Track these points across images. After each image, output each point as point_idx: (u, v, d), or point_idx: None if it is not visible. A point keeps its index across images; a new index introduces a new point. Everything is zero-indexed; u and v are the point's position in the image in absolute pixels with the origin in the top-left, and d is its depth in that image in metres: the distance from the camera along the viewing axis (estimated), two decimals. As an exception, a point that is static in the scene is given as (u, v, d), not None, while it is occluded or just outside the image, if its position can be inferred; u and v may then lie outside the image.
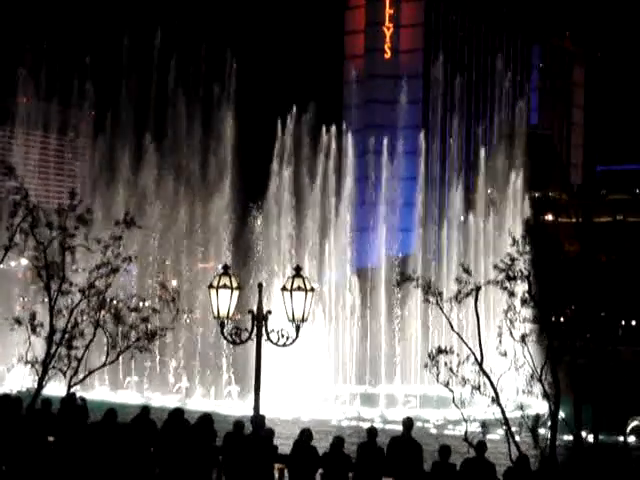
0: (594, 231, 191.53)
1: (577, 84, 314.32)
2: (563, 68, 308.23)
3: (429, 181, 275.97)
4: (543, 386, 21.96)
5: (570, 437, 21.83)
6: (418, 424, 50.93)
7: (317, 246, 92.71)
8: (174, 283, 74.06)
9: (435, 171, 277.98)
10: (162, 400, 65.21)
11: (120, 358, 31.87)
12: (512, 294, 23.05)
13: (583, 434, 21.46)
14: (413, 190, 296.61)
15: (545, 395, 21.98)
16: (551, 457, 20.96)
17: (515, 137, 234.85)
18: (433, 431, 56.03)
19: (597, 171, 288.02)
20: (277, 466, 23.34)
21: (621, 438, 21.38)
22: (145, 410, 25.23)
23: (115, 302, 32.15)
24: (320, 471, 22.35)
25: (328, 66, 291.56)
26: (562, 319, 23.02)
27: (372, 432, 22.33)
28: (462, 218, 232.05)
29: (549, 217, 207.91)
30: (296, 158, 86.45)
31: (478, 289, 22.52)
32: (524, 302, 22.77)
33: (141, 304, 34.73)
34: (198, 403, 64.16)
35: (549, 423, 22.01)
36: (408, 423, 22.42)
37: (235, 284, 23.27)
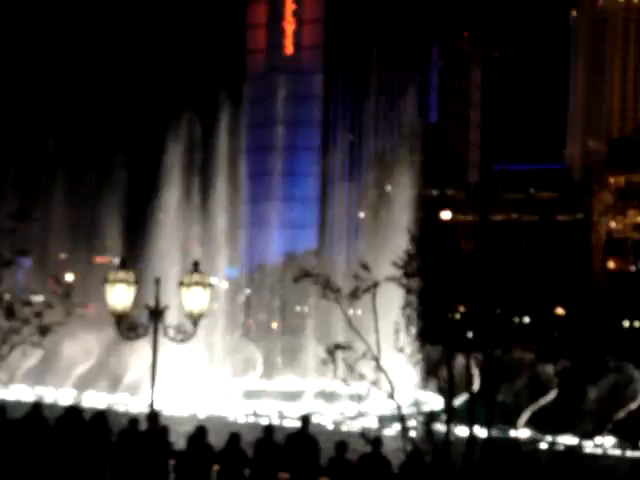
0: (490, 229, 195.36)
1: (475, 84, 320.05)
2: (461, 68, 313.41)
3: (329, 176, 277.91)
4: (439, 381, 22.19)
5: (465, 432, 22.11)
6: (315, 420, 51.12)
7: (215, 241, 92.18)
8: (69, 277, 72.70)
9: (335, 166, 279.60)
10: (55, 396, 64.04)
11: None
12: (410, 291, 23.21)
13: (476, 429, 21.77)
14: (313, 186, 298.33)
15: (440, 390, 22.22)
16: (445, 452, 21.23)
17: (414, 135, 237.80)
18: (330, 427, 56.33)
19: (493, 170, 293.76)
20: (172, 463, 23.08)
21: (513, 432, 21.78)
22: (36, 407, 24.64)
23: (7, 296, 31.29)
24: (216, 467, 22.17)
25: (230, 60, 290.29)
26: (458, 316, 23.29)
27: (269, 428, 22.27)
28: (362, 214, 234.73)
29: (447, 215, 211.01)
30: (190, 155, 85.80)
31: (376, 285, 22.62)
32: (421, 299, 22.95)
33: (34, 298, 33.90)
34: (92, 400, 63.18)
35: (444, 418, 22.25)
36: (305, 419, 22.43)
37: (132, 279, 22.94)
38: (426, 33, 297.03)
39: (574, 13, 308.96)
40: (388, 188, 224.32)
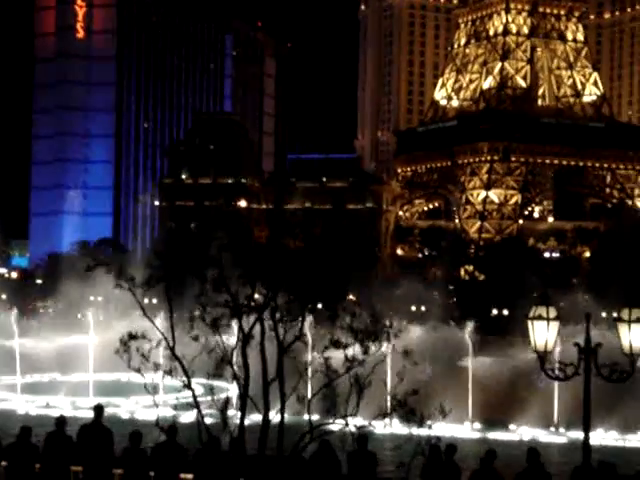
0: (284, 217, 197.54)
1: (269, 74, 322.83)
2: (255, 58, 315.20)
3: (123, 165, 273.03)
4: (233, 369, 22.43)
5: (259, 417, 22.48)
6: (110, 410, 50.28)
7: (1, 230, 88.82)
8: None
9: (129, 155, 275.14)
10: None
11: None
12: (204, 279, 23.33)
13: (271, 414, 22.16)
14: (107, 174, 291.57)
15: (235, 377, 22.46)
16: (240, 438, 21.52)
17: (209, 124, 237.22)
18: (125, 417, 55.70)
19: (287, 159, 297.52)
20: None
21: (306, 417, 22.29)
22: None
23: None
24: (3, 464, 21.54)
25: (18, 43, 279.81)
26: (253, 303, 23.57)
27: (60, 421, 21.83)
28: (157, 202, 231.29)
29: (242, 203, 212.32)
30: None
31: (170, 274, 22.61)
32: (216, 287, 23.11)
33: None
34: None
35: (239, 405, 22.53)
36: (98, 410, 22.16)
37: None
38: (220, 22, 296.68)
39: (363, 8, 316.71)
40: (183, 176, 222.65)
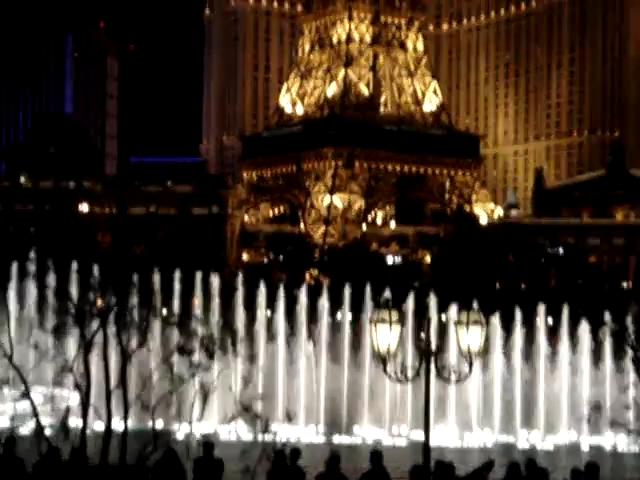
0: (128, 222, 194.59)
1: (111, 76, 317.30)
2: (98, 59, 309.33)
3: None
4: (75, 377, 21.92)
5: (102, 426, 22.06)
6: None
7: None
8: None
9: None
10: None
11: None
12: (45, 286, 22.78)
13: (114, 422, 21.80)
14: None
15: (76, 386, 21.96)
16: (81, 447, 21.08)
17: (49, 125, 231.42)
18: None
19: (131, 162, 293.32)
20: None
21: (150, 424, 22.00)
22: None
23: None
24: None
25: None
26: (95, 309, 23.10)
27: None
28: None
29: (84, 208, 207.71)
30: None
31: (5, 279, 21.95)
32: (57, 293, 22.61)
33: None
34: None
35: (80, 413, 22.03)
36: None
37: None
38: (59, 21, 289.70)
39: (207, 12, 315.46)
40: (22, 179, 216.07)
